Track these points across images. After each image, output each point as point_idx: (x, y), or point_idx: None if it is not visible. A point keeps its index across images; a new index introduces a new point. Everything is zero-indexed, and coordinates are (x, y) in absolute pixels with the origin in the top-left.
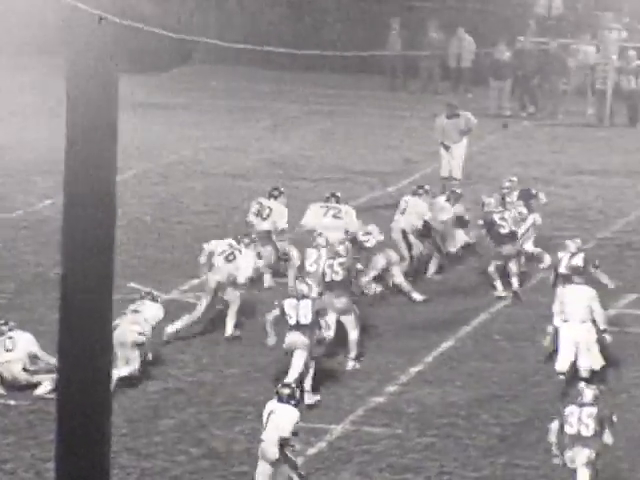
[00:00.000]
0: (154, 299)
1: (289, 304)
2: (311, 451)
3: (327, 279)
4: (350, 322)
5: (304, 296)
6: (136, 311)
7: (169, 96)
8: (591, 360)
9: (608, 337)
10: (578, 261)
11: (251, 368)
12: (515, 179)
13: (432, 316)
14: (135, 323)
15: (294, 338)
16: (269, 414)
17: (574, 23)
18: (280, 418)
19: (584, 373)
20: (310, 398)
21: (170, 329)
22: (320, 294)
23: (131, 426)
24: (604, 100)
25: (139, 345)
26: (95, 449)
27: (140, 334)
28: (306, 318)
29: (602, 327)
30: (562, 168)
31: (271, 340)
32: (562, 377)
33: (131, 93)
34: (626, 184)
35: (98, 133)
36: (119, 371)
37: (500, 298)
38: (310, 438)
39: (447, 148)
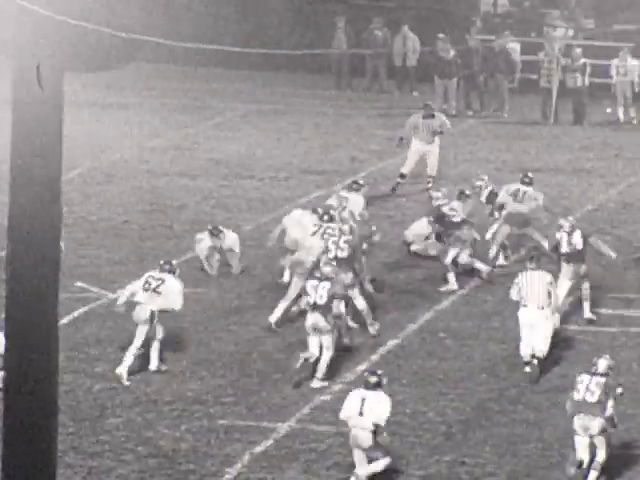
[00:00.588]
0: (172, 271)
1: (310, 284)
2: (257, 449)
3: (331, 255)
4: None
5: (327, 278)
6: (155, 291)
7: (115, 95)
8: (546, 343)
9: (557, 321)
10: (577, 238)
11: (197, 367)
12: (486, 177)
13: (378, 314)
14: (152, 304)
15: (316, 319)
16: (362, 401)
17: (520, 21)
18: (375, 406)
19: (539, 353)
20: (317, 383)
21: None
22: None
23: (77, 425)
24: (549, 98)
25: (151, 321)
26: (41, 448)
27: (151, 312)
28: (322, 299)
29: (555, 310)
30: (508, 166)
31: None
32: (527, 362)
33: (77, 92)
34: (571, 182)
35: (43, 132)
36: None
37: (451, 293)
38: (256, 436)
39: (413, 146)
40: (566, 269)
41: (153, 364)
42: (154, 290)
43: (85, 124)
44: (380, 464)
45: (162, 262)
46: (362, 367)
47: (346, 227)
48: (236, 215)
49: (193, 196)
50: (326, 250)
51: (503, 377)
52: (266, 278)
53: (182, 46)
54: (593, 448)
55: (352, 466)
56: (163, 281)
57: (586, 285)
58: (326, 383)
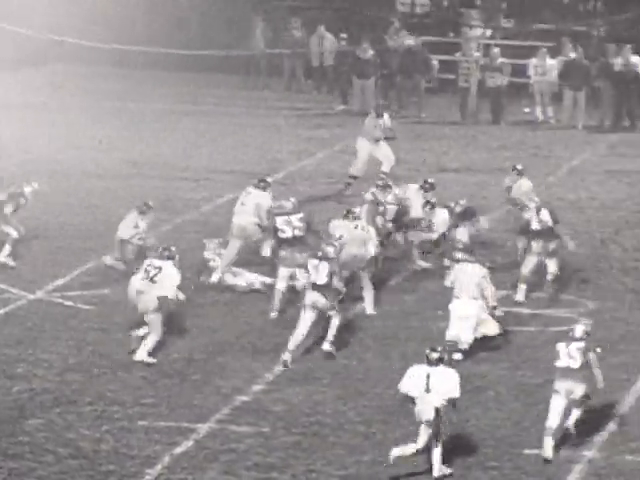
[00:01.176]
0: (170, 257)
1: (312, 263)
2: (177, 450)
3: (287, 235)
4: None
5: (327, 258)
6: (153, 281)
7: (28, 95)
8: (472, 334)
9: (498, 312)
10: (546, 216)
11: (117, 368)
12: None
13: (298, 314)
14: (151, 294)
15: (315, 298)
16: (427, 378)
17: (438, 21)
18: (443, 381)
19: (464, 345)
20: (327, 346)
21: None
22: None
23: None
24: (468, 98)
25: (160, 310)
26: None
27: (160, 300)
28: (321, 279)
29: (492, 304)
30: (426, 165)
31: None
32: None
33: None
34: (489, 181)
35: None
36: (139, 331)
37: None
38: (176, 437)
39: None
40: (535, 245)
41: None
42: (151, 279)
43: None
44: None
45: (161, 249)
46: (282, 367)
47: (289, 205)
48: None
49: (108, 197)
50: (280, 231)
51: None
52: (185, 277)
53: (98, 47)
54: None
55: (272, 467)
56: (160, 269)
57: (554, 264)
58: (334, 351)
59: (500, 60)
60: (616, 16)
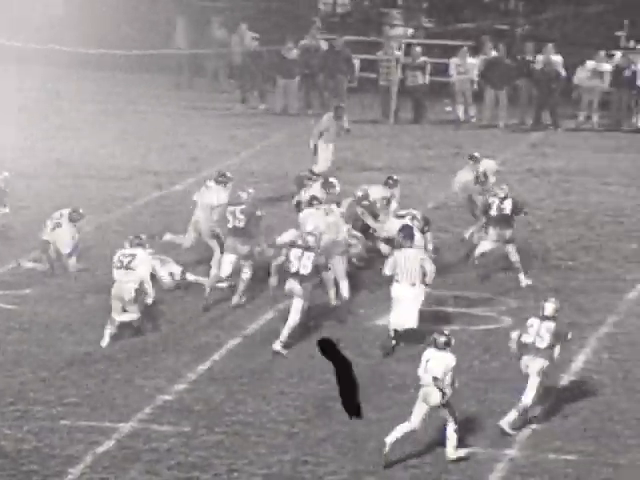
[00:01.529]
0: (140, 244)
1: (294, 253)
2: (100, 449)
3: (230, 226)
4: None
5: (310, 248)
6: (129, 268)
7: None
8: (409, 320)
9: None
10: (508, 205)
11: (39, 368)
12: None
13: (219, 313)
14: (130, 281)
15: (292, 285)
16: (426, 362)
17: (360, 20)
18: (435, 363)
19: (403, 327)
20: (278, 346)
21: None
22: None
23: None
24: (389, 97)
25: (138, 297)
26: None
27: (136, 290)
28: (305, 269)
29: (428, 282)
30: (348, 165)
31: (273, 281)
32: (392, 336)
33: None
34: (412, 180)
35: None
36: (120, 317)
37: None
38: (98, 437)
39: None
40: (492, 232)
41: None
42: (127, 267)
43: None
44: (450, 430)
45: (131, 237)
46: (203, 367)
47: (244, 195)
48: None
49: (34, 196)
50: (225, 221)
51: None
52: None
53: (29, 47)
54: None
55: (194, 466)
56: (134, 256)
57: (513, 252)
58: (285, 352)
59: (421, 59)
60: (537, 15)
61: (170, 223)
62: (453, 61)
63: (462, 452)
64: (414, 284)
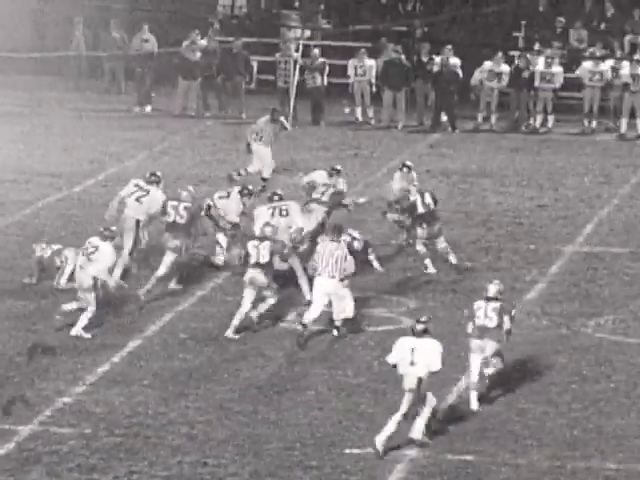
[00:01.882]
0: (105, 238)
1: (251, 244)
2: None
3: (170, 220)
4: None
5: (266, 238)
6: (89, 258)
7: None
8: (344, 310)
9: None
10: (429, 199)
11: None
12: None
13: (118, 315)
14: (88, 271)
15: (254, 275)
16: (412, 351)
17: (258, 22)
18: (427, 353)
19: (337, 322)
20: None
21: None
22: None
23: None
24: (287, 99)
25: (94, 288)
26: None
27: (94, 279)
28: (264, 258)
29: (345, 275)
30: (247, 166)
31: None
32: (301, 328)
33: None
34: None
35: None
36: (69, 305)
37: (192, 294)
38: None
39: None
40: (421, 232)
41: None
42: (88, 257)
43: None
44: (425, 414)
45: (102, 229)
46: (103, 369)
47: (185, 194)
48: None
49: None
50: (166, 215)
51: (244, 377)
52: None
53: None
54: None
55: (94, 468)
56: (98, 248)
57: (441, 241)
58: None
59: (319, 61)
60: (435, 17)
61: (69, 226)
62: (351, 62)
63: (425, 439)
64: (334, 277)
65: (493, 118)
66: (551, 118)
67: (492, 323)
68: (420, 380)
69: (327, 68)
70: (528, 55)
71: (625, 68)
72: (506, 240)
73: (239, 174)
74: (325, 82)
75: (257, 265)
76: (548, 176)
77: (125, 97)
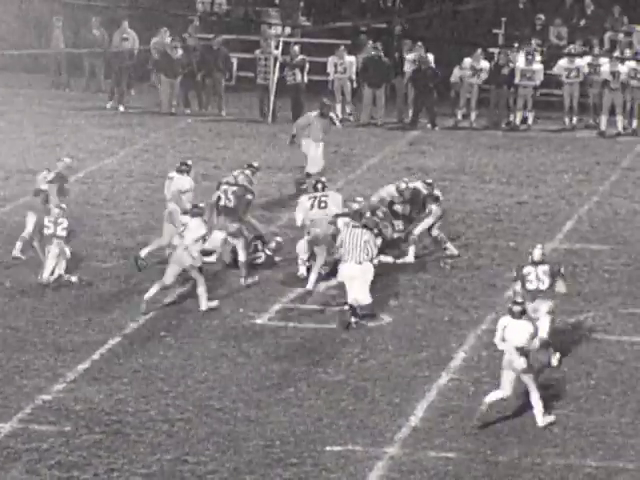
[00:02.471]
0: (194, 214)
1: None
2: None
3: (221, 204)
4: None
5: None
6: (182, 236)
7: None
8: (363, 296)
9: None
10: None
11: None
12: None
13: (98, 312)
14: (187, 249)
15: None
16: (503, 329)
17: (238, 19)
18: (516, 332)
19: (357, 302)
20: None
21: None
22: None
23: None
24: (267, 96)
25: (194, 267)
26: None
27: (194, 259)
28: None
29: (375, 262)
30: (227, 164)
31: None
32: (347, 308)
33: None
34: (288, 179)
35: None
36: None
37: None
38: None
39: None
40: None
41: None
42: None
43: None
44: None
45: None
46: (83, 366)
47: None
48: None
49: None
50: (217, 199)
51: (223, 374)
52: None
53: None
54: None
55: (74, 466)
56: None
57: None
58: (250, 280)
59: (299, 58)
60: (415, 13)
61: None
62: (331, 60)
63: (550, 418)
64: (360, 262)
65: (473, 115)
66: (531, 115)
67: (545, 285)
68: (525, 358)
69: (307, 65)
70: (508, 52)
71: (605, 65)
72: (486, 237)
73: (303, 182)
74: (305, 79)
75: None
76: (528, 173)
77: (104, 95)
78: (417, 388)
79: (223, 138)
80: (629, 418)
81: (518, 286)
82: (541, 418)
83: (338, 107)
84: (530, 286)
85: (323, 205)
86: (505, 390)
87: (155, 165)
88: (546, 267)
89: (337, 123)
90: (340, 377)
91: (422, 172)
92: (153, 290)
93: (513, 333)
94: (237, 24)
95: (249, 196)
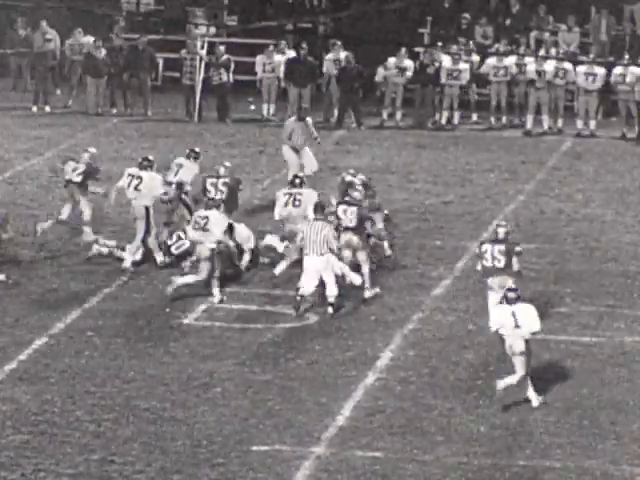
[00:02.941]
0: (210, 207)
1: (341, 209)
2: None
3: (210, 196)
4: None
5: (354, 203)
6: (205, 229)
7: None
8: (331, 287)
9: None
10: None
11: None
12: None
13: (24, 311)
14: (207, 241)
15: (348, 238)
16: (513, 315)
17: (164, 19)
18: (527, 316)
19: (330, 299)
20: (368, 293)
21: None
22: None
23: None
24: (193, 96)
25: (211, 258)
26: None
27: (211, 250)
28: (351, 222)
29: (336, 251)
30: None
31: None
32: (299, 299)
33: None
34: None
35: None
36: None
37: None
38: None
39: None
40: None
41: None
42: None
43: None
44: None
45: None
46: (9, 367)
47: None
48: None
49: None
50: (207, 192)
51: (150, 374)
52: None
53: None
54: None
55: (1, 466)
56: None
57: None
58: (377, 289)
59: (225, 57)
60: (340, 13)
61: None
62: (259, 59)
63: (541, 398)
64: (322, 254)
65: (398, 114)
66: (457, 114)
67: (500, 264)
68: (527, 342)
69: (232, 65)
70: (434, 51)
71: (530, 64)
72: (412, 236)
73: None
74: (231, 79)
75: (347, 229)
76: (454, 173)
77: (30, 95)
78: (344, 388)
79: (149, 138)
80: (555, 417)
81: (478, 264)
82: (534, 396)
83: (265, 107)
84: (487, 264)
85: (297, 204)
86: (519, 372)
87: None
88: (502, 246)
89: (314, 132)
90: (267, 377)
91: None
92: (185, 280)
93: (526, 319)
94: (163, 24)
95: (240, 186)
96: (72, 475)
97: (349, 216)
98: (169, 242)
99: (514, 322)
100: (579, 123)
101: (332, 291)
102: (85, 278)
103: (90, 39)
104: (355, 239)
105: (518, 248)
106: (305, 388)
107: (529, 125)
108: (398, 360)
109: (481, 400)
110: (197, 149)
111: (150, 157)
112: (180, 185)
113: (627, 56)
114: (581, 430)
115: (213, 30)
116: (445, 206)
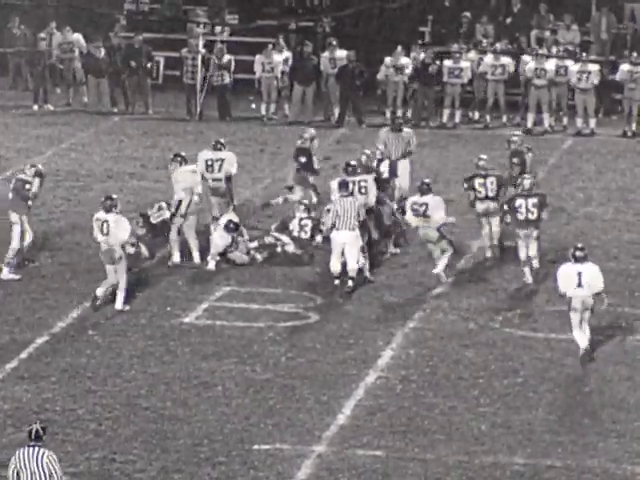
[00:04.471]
0: (113, 205)
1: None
2: None
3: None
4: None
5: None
6: (107, 234)
7: None
8: (356, 263)
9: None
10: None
11: None
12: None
13: (26, 311)
14: (113, 241)
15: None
16: (578, 275)
17: (165, 18)
18: (592, 276)
19: (351, 273)
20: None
21: None
22: None
23: None
24: (194, 94)
25: (120, 259)
26: None
27: (119, 254)
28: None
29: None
30: (154, 163)
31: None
32: (336, 276)
33: None
34: None
35: None
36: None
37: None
38: None
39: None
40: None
41: (118, 304)
42: (104, 233)
43: None
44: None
45: (102, 199)
46: (10, 365)
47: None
48: None
49: None
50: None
51: (151, 373)
52: None
53: None
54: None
55: (1, 464)
56: (107, 221)
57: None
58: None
59: (226, 56)
60: (341, 12)
61: None
62: (258, 58)
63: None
64: (353, 229)
65: (399, 113)
66: (458, 113)
67: (534, 216)
68: (586, 299)
69: (233, 64)
70: (435, 50)
71: (530, 63)
72: (413, 235)
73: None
74: (231, 78)
75: (487, 198)
76: (455, 171)
77: (31, 93)
78: (345, 386)
79: (150, 137)
80: (556, 416)
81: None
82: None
83: (263, 106)
84: (520, 217)
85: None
86: (575, 328)
87: (82, 164)
88: (535, 199)
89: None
90: (268, 375)
91: None
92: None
93: (592, 279)
94: (164, 23)
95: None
96: (73, 474)
97: (489, 186)
98: (149, 212)
99: (578, 281)
100: (579, 122)
101: (353, 265)
102: (86, 277)
103: (79, 36)
104: (492, 205)
105: (548, 200)
106: (306, 387)
107: (530, 124)
108: (399, 359)
109: (482, 399)
110: (222, 140)
111: (114, 196)
112: (229, 177)
113: (635, 54)
114: (582, 429)
115: (215, 29)
116: (446, 204)
